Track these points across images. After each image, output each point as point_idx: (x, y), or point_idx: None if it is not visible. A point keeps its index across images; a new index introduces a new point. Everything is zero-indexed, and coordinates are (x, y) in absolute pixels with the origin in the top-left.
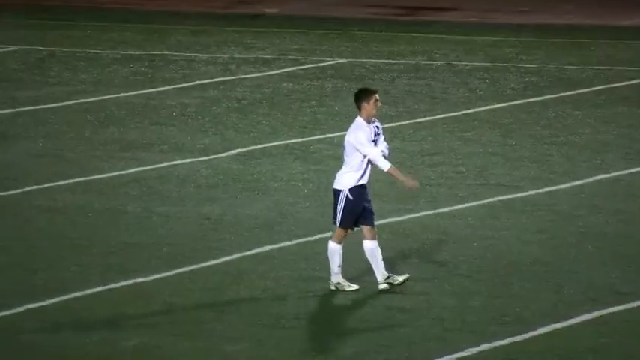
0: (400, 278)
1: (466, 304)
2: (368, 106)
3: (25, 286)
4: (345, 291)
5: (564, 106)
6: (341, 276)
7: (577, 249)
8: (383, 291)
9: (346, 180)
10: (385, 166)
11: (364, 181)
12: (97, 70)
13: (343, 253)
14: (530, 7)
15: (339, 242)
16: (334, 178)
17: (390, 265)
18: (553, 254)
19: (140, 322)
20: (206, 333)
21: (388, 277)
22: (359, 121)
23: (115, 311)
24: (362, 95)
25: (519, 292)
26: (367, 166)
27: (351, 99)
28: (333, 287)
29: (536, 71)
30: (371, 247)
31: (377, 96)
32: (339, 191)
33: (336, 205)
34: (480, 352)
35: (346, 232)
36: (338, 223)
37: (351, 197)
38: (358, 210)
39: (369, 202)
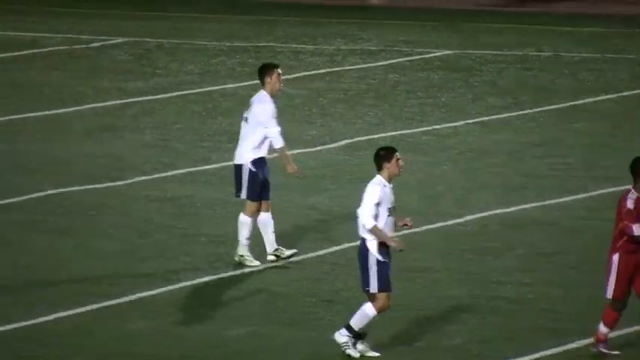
0: (287, 252)
1: (574, 295)
2: (271, 81)
3: (134, 274)
4: (249, 265)
5: None
6: (247, 249)
7: None
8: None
9: (248, 154)
10: (280, 143)
11: (263, 153)
12: (203, 62)
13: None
14: None
15: (251, 216)
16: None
17: (495, 255)
18: None
19: (248, 312)
20: (314, 322)
21: (277, 250)
22: (263, 94)
23: (222, 300)
24: (264, 70)
25: None
26: (266, 139)
27: (459, 91)
28: (236, 258)
29: None
30: (264, 220)
31: (279, 70)
32: (241, 165)
33: (241, 179)
34: (588, 345)
35: (256, 204)
36: (245, 196)
37: (253, 169)
38: (260, 181)
39: (267, 175)
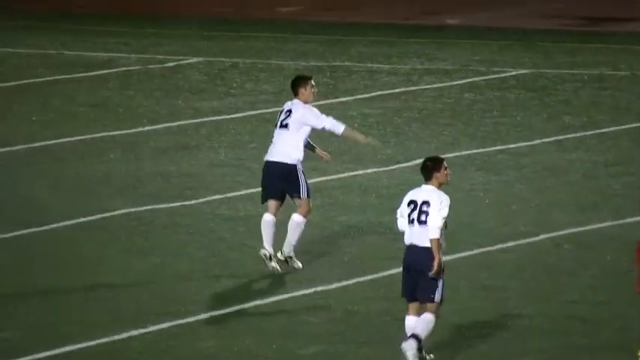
0: (297, 263)
1: None
2: (305, 92)
3: (206, 293)
4: (295, 266)
5: None
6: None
7: None
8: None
9: (295, 154)
10: (341, 128)
11: (303, 155)
12: (278, 81)
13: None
14: None
15: (306, 215)
16: (281, 154)
17: (569, 274)
18: None
19: (320, 330)
20: (388, 340)
21: (291, 257)
22: (299, 102)
23: (294, 319)
24: (299, 81)
25: None
26: (302, 143)
27: (535, 110)
28: (281, 257)
29: None
30: (298, 222)
31: (313, 82)
32: (294, 165)
33: (297, 179)
34: None
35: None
36: (305, 195)
37: (302, 168)
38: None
39: None
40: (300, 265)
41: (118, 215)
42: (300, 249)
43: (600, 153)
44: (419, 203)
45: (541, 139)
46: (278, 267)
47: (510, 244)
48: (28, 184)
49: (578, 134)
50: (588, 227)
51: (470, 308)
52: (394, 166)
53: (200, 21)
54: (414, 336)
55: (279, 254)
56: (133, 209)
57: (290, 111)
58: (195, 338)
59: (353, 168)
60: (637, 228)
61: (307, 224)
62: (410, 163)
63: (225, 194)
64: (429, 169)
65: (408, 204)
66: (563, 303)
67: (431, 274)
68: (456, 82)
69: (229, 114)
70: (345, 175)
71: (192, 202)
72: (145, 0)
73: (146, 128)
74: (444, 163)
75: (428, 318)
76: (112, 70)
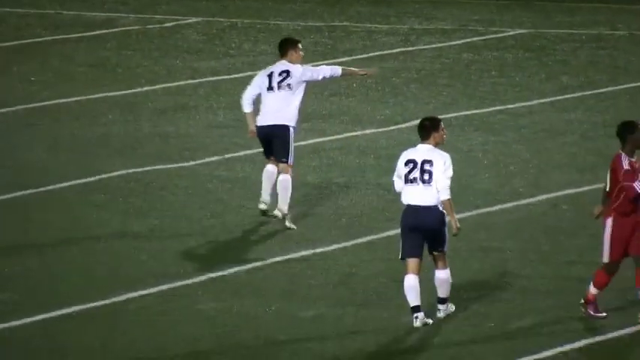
0: (289, 224)
1: None
2: (295, 54)
3: (204, 255)
4: (289, 227)
5: None
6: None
7: None
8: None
9: (293, 115)
10: (338, 70)
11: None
12: (277, 41)
13: None
14: None
15: (290, 174)
16: (278, 116)
17: (567, 235)
18: None
19: (319, 293)
20: (386, 302)
21: (286, 215)
22: (286, 63)
23: (293, 281)
24: (288, 43)
25: None
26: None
27: (533, 70)
28: (278, 213)
29: None
30: (287, 179)
31: (300, 45)
32: (287, 127)
33: (286, 141)
34: None
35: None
36: (291, 162)
37: (294, 133)
38: None
39: None
40: (294, 226)
41: (116, 177)
42: (299, 210)
43: (598, 113)
44: (419, 162)
45: (539, 99)
46: (279, 214)
47: (509, 204)
48: (27, 146)
49: (577, 94)
50: (586, 188)
51: (468, 269)
52: (393, 127)
53: None
54: (440, 300)
55: (276, 211)
56: (130, 170)
57: (287, 72)
58: (194, 300)
59: (351, 129)
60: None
61: (306, 185)
62: (408, 124)
63: (224, 155)
64: (427, 129)
65: (406, 163)
66: (562, 263)
67: (454, 234)
68: (454, 42)
69: (228, 74)
70: (344, 135)
71: (191, 163)
72: None
73: (144, 89)
74: (442, 123)
75: (446, 275)
76: (110, 30)
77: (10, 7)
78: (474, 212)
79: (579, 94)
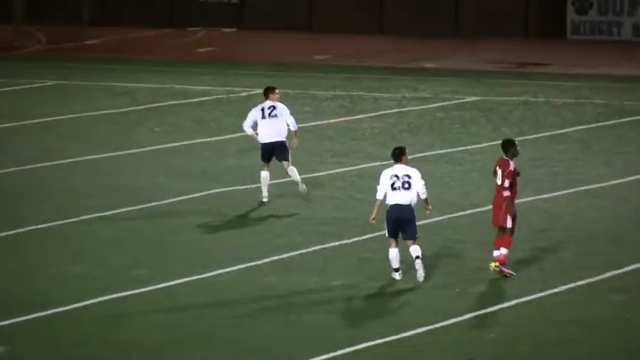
0: (305, 188)
1: (558, 257)
2: (273, 96)
3: (270, 244)
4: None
5: (622, 128)
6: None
7: None
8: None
9: (283, 134)
10: (296, 126)
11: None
12: (315, 104)
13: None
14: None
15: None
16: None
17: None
18: None
19: (344, 270)
20: (385, 277)
21: (305, 188)
22: (272, 102)
23: (328, 263)
24: (270, 90)
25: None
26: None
27: (483, 124)
28: (302, 190)
29: (605, 105)
30: (293, 169)
31: (277, 90)
32: (284, 141)
33: (285, 150)
34: (569, 289)
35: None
36: (289, 159)
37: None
38: None
39: None
40: (305, 188)
41: (212, 193)
42: (329, 215)
43: (526, 152)
44: (400, 176)
45: (487, 142)
46: (304, 188)
47: (468, 211)
48: (151, 171)
49: (496, 142)
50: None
51: (437, 255)
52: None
53: (264, 65)
54: (418, 257)
55: (299, 188)
56: (219, 190)
57: (274, 107)
58: (261, 275)
59: (364, 162)
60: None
61: (334, 199)
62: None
63: (282, 180)
64: (400, 154)
65: (390, 177)
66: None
67: (428, 213)
68: (431, 105)
69: None
70: (359, 167)
71: (251, 186)
72: (227, 50)
73: (229, 136)
74: (406, 149)
75: (417, 247)
76: (206, 98)
77: (143, 83)
78: (445, 217)
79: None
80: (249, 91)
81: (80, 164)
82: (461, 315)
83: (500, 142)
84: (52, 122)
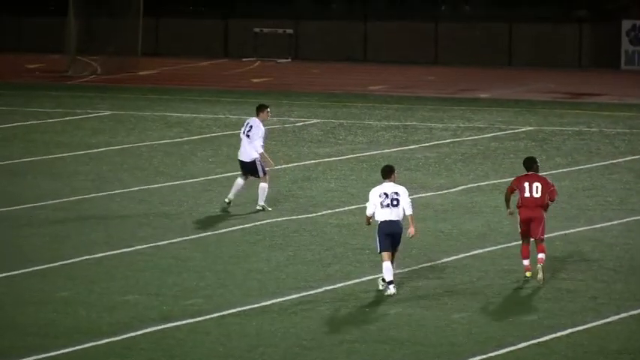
0: (268, 208)
1: (611, 288)
2: (263, 114)
3: (321, 274)
4: (268, 209)
5: None
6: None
7: None
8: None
9: (254, 153)
10: (261, 149)
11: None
12: (369, 135)
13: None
14: None
15: (266, 182)
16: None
17: (562, 262)
18: None
19: (398, 301)
20: (436, 304)
21: (264, 207)
22: (257, 121)
23: (380, 295)
24: (262, 108)
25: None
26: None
27: (537, 154)
28: (259, 207)
29: None
30: (264, 186)
31: (269, 110)
32: (255, 159)
33: (257, 167)
34: (621, 319)
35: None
36: (262, 174)
37: (259, 160)
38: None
39: None
40: (269, 208)
41: (266, 223)
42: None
43: (579, 182)
44: (389, 193)
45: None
46: (263, 207)
47: (519, 243)
48: (207, 202)
49: (565, 169)
50: (570, 231)
51: (493, 288)
52: (445, 191)
53: (318, 95)
54: (390, 281)
55: (257, 206)
56: (273, 220)
57: (251, 126)
58: (316, 305)
59: (418, 192)
60: (600, 231)
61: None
62: (456, 189)
63: (335, 209)
64: (390, 171)
65: (380, 195)
66: (551, 281)
67: (412, 237)
68: (485, 135)
69: (337, 157)
70: (414, 196)
71: (313, 214)
72: (281, 80)
73: (283, 166)
74: (268, 109)
75: (390, 267)
76: None
77: (198, 113)
78: (499, 247)
79: (567, 169)
80: (304, 121)
81: (134, 194)
82: (514, 344)
83: (524, 159)
84: (106, 152)
